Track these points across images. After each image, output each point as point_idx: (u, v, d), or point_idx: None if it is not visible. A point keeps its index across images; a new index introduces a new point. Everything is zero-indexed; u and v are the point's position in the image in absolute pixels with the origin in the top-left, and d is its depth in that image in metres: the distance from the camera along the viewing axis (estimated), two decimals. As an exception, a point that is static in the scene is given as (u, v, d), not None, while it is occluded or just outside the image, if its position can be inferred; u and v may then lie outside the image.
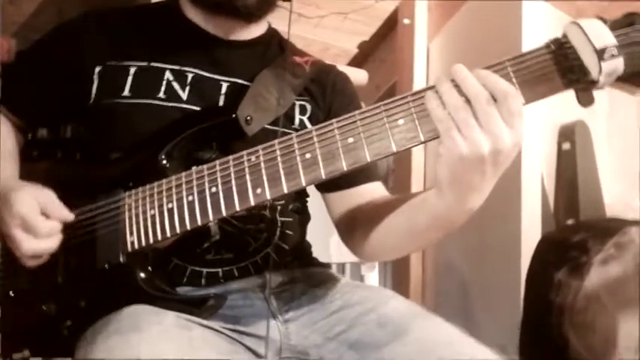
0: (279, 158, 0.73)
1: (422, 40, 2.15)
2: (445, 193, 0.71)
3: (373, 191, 0.96)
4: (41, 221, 0.79)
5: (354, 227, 0.94)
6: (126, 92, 0.90)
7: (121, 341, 0.70)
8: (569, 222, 1.72)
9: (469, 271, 1.84)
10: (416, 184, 2.05)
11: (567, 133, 1.79)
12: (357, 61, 2.45)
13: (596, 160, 1.79)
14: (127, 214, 0.81)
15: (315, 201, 1.03)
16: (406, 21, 2.19)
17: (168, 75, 0.91)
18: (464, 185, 0.68)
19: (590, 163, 1.78)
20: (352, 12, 2.21)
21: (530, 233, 1.54)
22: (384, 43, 2.42)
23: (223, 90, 0.93)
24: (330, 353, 0.85)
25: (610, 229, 1.27)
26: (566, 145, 1.78)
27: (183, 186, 0.78)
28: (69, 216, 0.82)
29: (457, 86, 0.66)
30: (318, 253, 1.05)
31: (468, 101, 0.65)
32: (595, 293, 1.20)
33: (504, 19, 1.71)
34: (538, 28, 1.61)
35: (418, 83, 2.10)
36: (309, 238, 1.05)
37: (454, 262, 1.90)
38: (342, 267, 2.14)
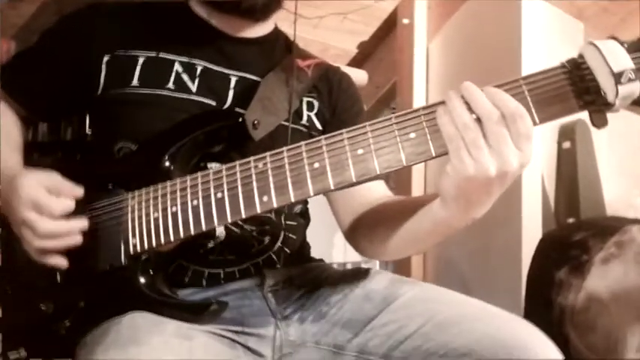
0: (287, 166, 0.72)
1: (421, 40, 2.15)
2: (449, 206, 0.71)
3: (376, 189, 0.97)
4: (53, 200, 0.78)
5: (357, 226, 0.95)
6: (134, 82, 0.90)
7: (120, 354, 0.69)
8: (570, 221, 1.72)
9: (470, 271, 1.84)
10: (416, 186, 2.05)
11: (567, 132, 1.78)
12: (356, 62, 2.45)
13: (596, 158, 1.79)
14: (130, 215, 0.81)
15: (317, 201, 1.03)
16: (406, 21, 2.19)
17: (177, 66, 0.91)
18: (468, 200, 0.69)
19: (591, 162, 1.78)
20: (351, 12, 2.21)
21: (531, 232, 1.54)
22: (384, 43, 2.42)
23: (232, 84, 0.93)
24: (325, 336, 0.86)
25: (611, 227, 1.27)
26: (566, 144, 1.78)
27: (188, 190, 0.77)
28: (79, 191, 0.81)
29: (467, 103, 0.65)
30: (320, 253, 1.05)
31: (478, 119, 0.65)
32: (596, 292, 1.20)
33: (504, 19, 1.70)
34: (537, 27, 1.61)
35: (418, 83, 2.10)
36: (311, 238, 1.05)
37: (455, 262, 1.90)
38: (343, 267, 2.14)
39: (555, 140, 1.81)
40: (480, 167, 0.64)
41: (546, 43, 1.63)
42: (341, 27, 2.27)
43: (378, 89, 2.39)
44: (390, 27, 2.33)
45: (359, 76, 1.94)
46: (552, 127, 1.81)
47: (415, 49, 2.13)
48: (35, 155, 1.02)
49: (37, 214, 0.77)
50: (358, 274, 0.92)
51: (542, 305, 1.29)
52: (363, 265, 2.30)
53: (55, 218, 0.78)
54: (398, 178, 2.15)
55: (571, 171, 1.76)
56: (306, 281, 0.95)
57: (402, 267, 2.11)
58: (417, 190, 2.03)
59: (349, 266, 2.18)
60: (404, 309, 0.81)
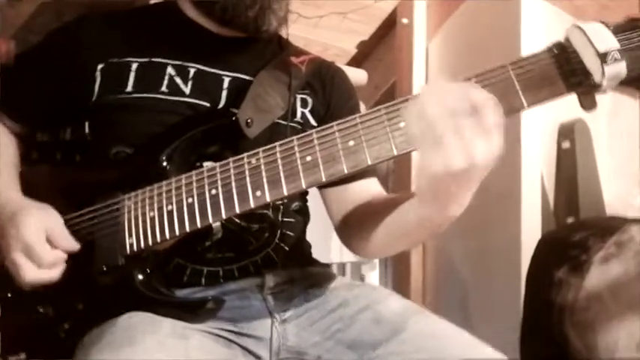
0: (279, 161, 0.73)
1: (421, 40, 2.15)
2: (426, 204, 0.72)
3: (369, 187, 0.97)
4: (46, 251, 0.78)
5: (348, 223, 0.95)
6: (129, 88, 0.90)
7: (114, 354, 0.70)
8: (570, 221, 1.72)
9: (469, 271, 1.84)
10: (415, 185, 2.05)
11: (567, 132, 1.78)
12: (356, 61, 2.45)
13: (595, 158, 1.79)
14: (126, 216, 0.81)
15: (316, 201, 1.03)
16: (405, 21, 2.19)
17: (170, 70, 0.92)
18: (442, 197, 0.69)
19: (590, 162, 1.78)
20: (351, 12, 2.21)
21: (531, 232, 1.54)
22: (383, 43, 2.42)
23: (225, 85, 0.93)
24: (328, 353, 0.85)
25: (610, 227, 1.27)
26: (565, 144, 1.78)
27: (183, 188, 0.78)
28: (74, 246, 0.81)
29: (435, 99, 0.64)
30: (318, 253, 1.05)
31: (445, 115, 0.64)
32: (595, 292, 1.20)
33: (503, 18, 1.70)
34: (537, 27, 1.61)
35: (417, 83, 2.10)
36: (309, 238, 1.05)
37: (455, 262, 1.90)
38: (342, 267, 2.14)
39: (555, 140, 1.81)
40: (447, 161, 0.63)
41: (546, 42, 1.63)
42: (340, 27, 2.26)
43: (377, 89, 2.39)
44: (389, 27, 2.33)
45: (358, 76, 1.94)
46: (552, 126, 1.81)
47: (414, 49, 2.13)
48: (34, 154, 1.01)
49: (27, 259, 0.77)
50: (369, 293, 0.91)
51: (542, 305, 1.29)
52: (363, 266, 2.30)
53: (42, 268, 0.78)
54: (397, 178, 2.15)
55: (570, 171, 1.76)
56: (309, 286, 0.94)
57: (401, 269, 2.11)
58: (416, 189, 2.02)
59: (348, 266, 2.18)
60: (411, 342, 0.81)
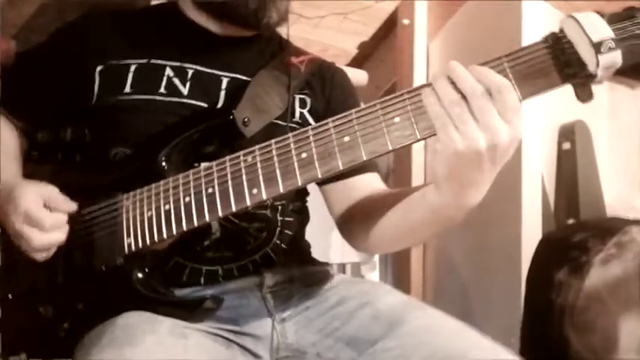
0: (275, 158, 0.73)
1: (422, 41, 2.14)
2: (442, 189, 0.71)
3: (370, 182, 0.97)
4: (45, 215, 0.79)
5: (351, 220, 0.95)
6: (127, 89, 0.91)
7: (115, 354, 0.70)
8: (570, 222, 1.72)
9: (470, 272, 1.83)
10: (416, 184, 2.05)
11: (567, 133, 1.78)
12: (356, 62, 2.44)
13: (596, 159, 1.79)
14: (124, 215, 0.81)
15: (316, 201, 1.03)
16: (406, 21, 2.18)
17: (168, 71, 0.92)
18: (461, 181, 0.68)
19: (591, 163, 1.78)
20: (352, 12, 2.20)
21: (531, 233, 1.53)
22: (384, 44, 2.42)
23: (224, 85, 0.93)
24: (327, 350, 0.85)
25: (611, 228, 1.26)
26: (566, 145, 1.78)
27: (180, 187, 0.78)
28: (72, 207, 0.82)
29: (453, 83, 0.65)
30: (318, 253, 1.05)
31: (464, 97, 0.64)
32: (596, 293, 1.20)
33: (504, 19, 1.70)
34: (538, 28, 1.60)
35: (418, 83, 2.08)
36: (309, 238, 1.05)
37: (455, 263, 1.90)
38: (342, 267, 2.14)
39: (555, 141, 1.81)
40: (468, 140, 0.63)
41: (546, 43, 1.63)
42: (341, 27, 2.26)
43: (378, 89, 2.39)
44: (390, 27, 2.33)
45: (359, 77, 1.94)
46: (552, 127, 1.81)
47: (415, 50, 2.13)
48: (34, 155, 1.02)
49: (29, 226, 0.78)
50: (367, 290, 0.91)
51: (542, 306, 1.29)
52: (363, 266, 2.30)
53: (45, 231, 0.79)
54: (397, 177, 2.15)
55: (571, 172, 1.76)
56: (308, 285, 0.94)
57: (401, 269, 2.11)
58: (416, 188, 2.03)
59: (348, 267, 2.18)
60: (410, 336, 0.80)
